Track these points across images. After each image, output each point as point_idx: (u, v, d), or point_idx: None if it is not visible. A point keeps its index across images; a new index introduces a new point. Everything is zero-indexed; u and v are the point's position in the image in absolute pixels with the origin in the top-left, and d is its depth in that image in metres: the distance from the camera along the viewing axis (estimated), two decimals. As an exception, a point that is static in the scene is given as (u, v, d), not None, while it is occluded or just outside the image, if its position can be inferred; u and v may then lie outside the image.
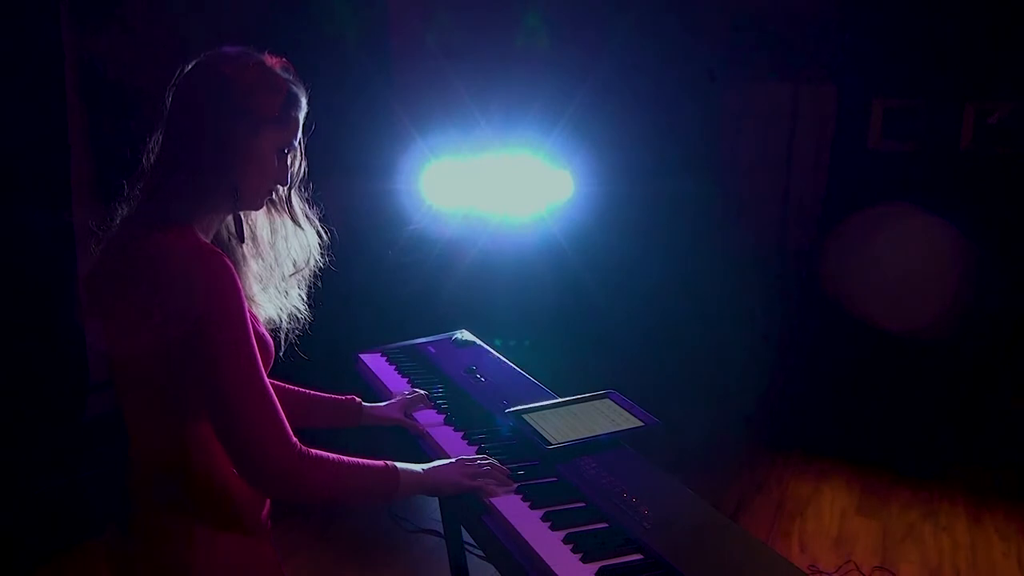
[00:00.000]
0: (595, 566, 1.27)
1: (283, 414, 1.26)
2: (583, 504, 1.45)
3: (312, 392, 1.71)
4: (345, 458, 1.33)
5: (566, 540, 1.33)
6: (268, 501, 1.45)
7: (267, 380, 1.26)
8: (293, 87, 1.35)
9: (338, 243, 1.57)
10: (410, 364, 2.19)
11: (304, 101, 1.37)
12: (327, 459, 1.30)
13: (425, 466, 1.47)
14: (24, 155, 2.90)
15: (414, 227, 3.82)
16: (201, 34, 3.08)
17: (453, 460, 1.52)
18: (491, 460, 1.55)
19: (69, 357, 3.11)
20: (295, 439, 1.27)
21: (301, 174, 1.46)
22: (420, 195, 3.83)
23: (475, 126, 3.80)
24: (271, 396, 1.25)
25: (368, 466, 1.37)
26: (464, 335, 2.34)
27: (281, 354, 1.49)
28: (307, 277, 1.54)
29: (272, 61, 1.34)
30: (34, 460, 2.99)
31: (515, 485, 1.51)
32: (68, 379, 3.13)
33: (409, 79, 4.11)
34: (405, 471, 1.41)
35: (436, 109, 3.88)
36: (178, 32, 3.26)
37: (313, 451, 1.28)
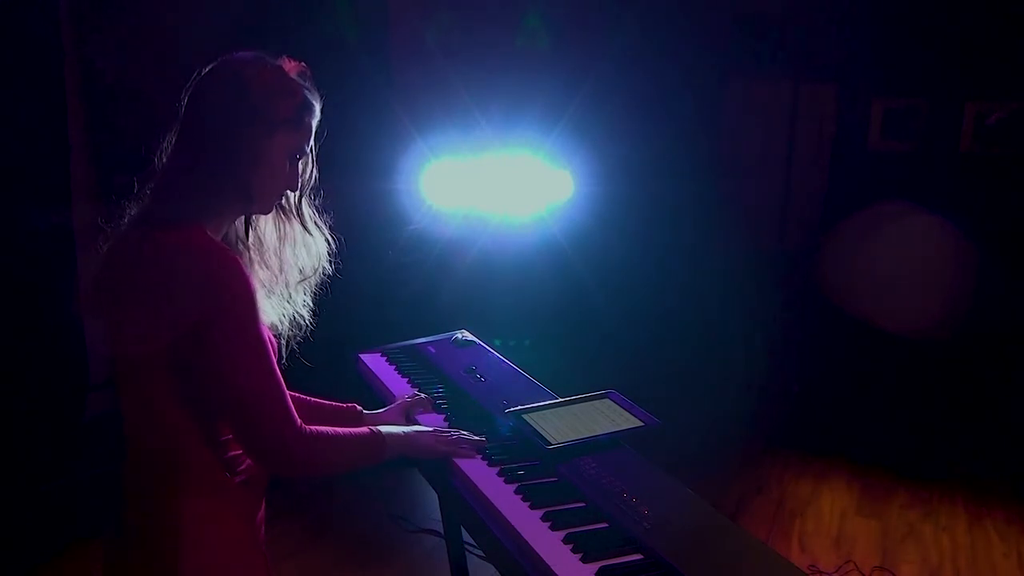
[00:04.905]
0: (595, 566, 1.27)
1: (288, 395, 1.31)
2: (583, 504, 1.45)
3: (312, 399, 1.72)
4: (340, 430, 1.42)
5: (566, 540, 1.33)
6: (263, 505, 1.45)
7: (276, 367, 1.30)
8: (308, 93, 1.36)
9: (344, 247, 1.57)
10: (410, 364, 2.19)
11: (318, 108, 1.38)
12: (325, 434, 1.37)
13: (404, 429, 1.58)
14: (24, 155, 2.90)
15: (414, 227, 3.82)
16: (201, 34, 3.08)
17: (430, 428, 1.64)
18: (463, 432, 1.66)
19: (69, 357, 3.11)
20: (299, 420, 1.32)
21: (312, 181, 1.47)
22: (420, 195, 3.83)
23: (475, 126, 3.80)
24: (278, 378, 1.30)
25: (358, 435, 1.47)
26: (464, 335, 2.34)
27: (284, 361, 1.50)
28: (314, 284, 1.54)
29: (290, 66, 1.36)
30: (34, 460, 2.99)
31: (485, 443, 1.65)
32: (68, 379, 3.12)
33: (409, 79, 4.11)
34: (389, 434, 1.52)
35: (436, 109, 3.88)
36: (178, 32, 3.26)
37: (313, 428, 1.34)
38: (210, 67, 1.34)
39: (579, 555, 1.29)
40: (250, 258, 1.46)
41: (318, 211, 1.52)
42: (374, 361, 2.22)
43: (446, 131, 3.78)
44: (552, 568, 1.26)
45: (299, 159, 1.39)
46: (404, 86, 4.10)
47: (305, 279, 1.52)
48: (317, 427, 1.35)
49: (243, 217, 1.43)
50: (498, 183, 3.74)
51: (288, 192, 1.42)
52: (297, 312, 1.53)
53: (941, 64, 3.76)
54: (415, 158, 3.79)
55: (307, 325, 1.55)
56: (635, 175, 4.03)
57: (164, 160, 1.37)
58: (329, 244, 1.53)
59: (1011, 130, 3.68)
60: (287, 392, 1.31)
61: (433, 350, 2.26)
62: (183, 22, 3.31)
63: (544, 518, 1.40)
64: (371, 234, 3.77)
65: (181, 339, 1.22)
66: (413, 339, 2.35)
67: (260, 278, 1.47)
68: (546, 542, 1.33)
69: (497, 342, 2.41)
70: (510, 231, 3.87)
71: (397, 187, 3.81)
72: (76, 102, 3.20)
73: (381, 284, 3.74)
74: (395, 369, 2.16)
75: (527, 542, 1.33)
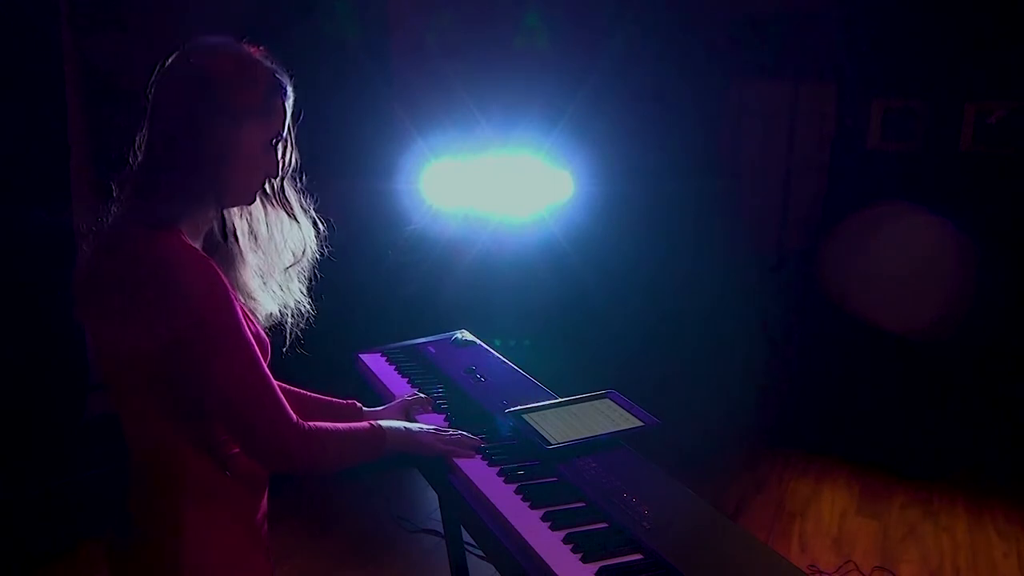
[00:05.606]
0: (595, 566, 1.27)
1: (282, 395, 1.30)
2: (583, 504, 1.45)
3: (312, 394, 1.71)
4: (340, 426, 1.41)
5: (566, 540, 1.33)
6: (264, 503, 1.45)
7: (264, 366, 1.29)
8: (275, 75, 1.32)
9: (336, 237, 1.55)
10: (410, 364, 2.19)
11: (289, 88, 1.34)
12: (326, 430, 1.36)
13: (404, 424, 1.58)
14: (24, 155, 2.90)
15: (414, 227, 3.82)
16: (201, 33, 3.08)
17: (430, 427, 1.63)
18: (461, 432, 1.65)
19: (69, 357, 3.11)
20: (296, 417, 1.31)
21: (293, 164, 1.43)
22: (420, 195, 3.83)
23: (475, 126, 3.80)
24: (269, 381, 1.28)
25: (359, 429, 1.46)
26: (464, 335, 2.34)
27: (285, 349, 1.49)
28: (306, 268, 1.52)
29: (251, 50, 1.32)
30: (34, 460, 2.99)
31: (480, 442, 1.65)
32: (68, 379, 3.13)
33: (409, 79, 4.11)
34: (389, 428, 1.51)
35: (436, 109, 3.88)
36: (178, 32, 3.26)
37: (312, 425, 1.33)
38: (171, 59, 1.30)
39: (579, 555, 1.29)
40: (240, 249, 1.43)
41: (303, 193, 1.49)
42: (374, 361, 2.22)
43: (446, 131, 3.78)
44: (552, 568, 1.26)
45: (276, 144, 1.34)
46: (404, 86, 4.10)
47: (297, 262, 1.49)
48: (315, 423, 1.34)
49: (221, 210, 1.39)
50: (498, 183, 3.74)
51: (270, 178, 1.39)
52: (295, 299, 1.51)
53: (941, 64, 3.76)
54: (415, 158, 3.79)
55: (309, 313, 1.54)
56: (635, 175, 4.03)
57: (138, 159, 1.33)
58: (317, 226, 1.50)
59: (1011, 130, 3.68)
60: (279, 391, 1.29)
61: (433, 350, 2.26)
62: (183, 22, 3.31)
63: (544, 518, 1.40)
64: (371, 234, 3.78)
65: (164, 351, 1.21)
66: (413, 339, 2.35)
67: (254, 266, 1.44)
68: (546, 542, 1.33)
69: (497, 342, 2.41)
70: (510, 231, 3.87)
71: (397, 187, 3.81)
72: (76, 102, 3.20)
73: (381, 284, 3.74)
74: (395, 369, 2.16)
75: (527, 542, 1.33)
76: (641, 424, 1.72)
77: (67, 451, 3.08)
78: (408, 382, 2.07)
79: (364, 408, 1.78)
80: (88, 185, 3.20)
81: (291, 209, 1.46)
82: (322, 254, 1.53)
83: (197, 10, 3.33)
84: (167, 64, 1.30)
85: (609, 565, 1.27)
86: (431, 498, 3.21)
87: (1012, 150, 3.68)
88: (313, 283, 1.55)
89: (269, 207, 1.45)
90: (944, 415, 3.86)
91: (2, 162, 2.83)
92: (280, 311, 1.49)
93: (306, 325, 1.54)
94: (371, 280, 3.69)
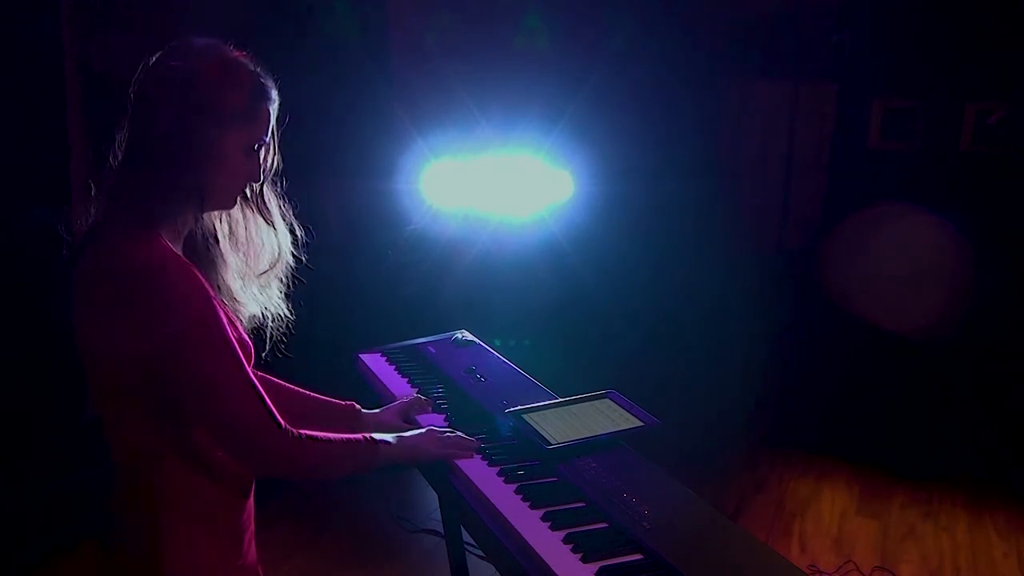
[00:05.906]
0: (595, 566, 1.27)
1: (271, 402, 1.29)
2: (583, 504, 1.45)
3: (311, 394, 1.70)
4: (332, 436, 1.39)
5: (566, 540, 1.33)
6: (250, 504, 1.44)
7: (251, 374, 1.28)
8: (260, 79, 1.31)
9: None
10: (410, 364, 2.19)
11: (273, 92, 1.33)
12: (316, 438, 1.35)
13: (399, 435, 1.55)
14: (24, 155, 2.90)
15: (414, 227, 3.82)
16: (201, 33, 3.08)
17: (424, 430, 1.60)
18: (459, 434, 1.63)
19: (69, 357, 3.10)
20: (286, 424, 1.30)
21: (274, 168, 1.41)
22: (420, 195, 3.83)
23: (475, 126, 3.80)
24: (258, 390, 1.27)
25: (351, 440, 1.44)
26: (464, 335, 2.34)
27: (264, 353, 1.49)
28: (283, 272, 1.50)
29: (236, 54, 1.31)
30: (34, 460, 2.99)
31: (478, 444, 1.63)
32: (68, 379, 3.12)
33: (409, 79, 4.11)
34: (383, 441, 1.48)
35: (436, 109, 3.88)
36: (179, 31, 3.26)
37: (303, 432, 1.32)
38: (155, 58, 1.29)
39: (579, 555, 1.29)
40: (220, 252, 1.41)
41: (283, 198, 1.47)
42: (374, 361, 2.22)
43: (446, 131, 3.78)
44: (552, 568, 1.26)
45: (259, 149, 1.33)
46: (404, 86, 4.10)
47: (272, 266, 1.47)
48: (307, 431, 1.33)
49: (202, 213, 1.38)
50: (498, 183, 3.74)
51: (251, 183, 1.37)
52: (275, 303, 1.49)
53: (941, 64, 3.76)
54: (415, 158, 3.79)
55: (289, 316, 1.52)
56: (635, 175, 4.04)
57: (118, 159, 1.31)
58: (295, 231, 1.49)
59: (1011, 130, 3.68)
60: (265, 396, 1.28)
61: (433, 350, 2.26)
62: (184, 22, 3.31)
63: (544, 518, 1.40)
64: (371, 234, 3.78)
65: (148, 357, 1.20)
66: (413, 339, 2.35)
67: (234, 268, 1.43)
68: (546, 542, 1.33)
69: (497, 342, 2.41)
70: (510, 231, 3.87)
71: (397, 187, 3.81)
72: (76, 102, 3.20)
73: (381, 284, 3.74)
74: (395, 369, 2.16)
75: (527, 542, 1.33)
76: (641, 424, 1.72)
77: (67, 451, 3.08)
78: (408, 382, 2.07)
79: (363, 410, 1.76)
80: (88, 185, 3.21)
81: (269, 216, 1.44)
82: (299, 261, 1.51)
83: (198, 10, 3.34)
84: (151, 64, 1.29)
85: (609, 565, 1.27)
86: (431, 498, 3.21)
87: (1012, 150, 3.68)
88: (291, 288, 1.53)
89: (248, 211, 1.43)
90: (944, 415, 3.86)
91: (2, 162, 2.83)
92: (261, 313, 1.48)
93: (287, 328, 1.53)
94: (371, 280, 3.69)
